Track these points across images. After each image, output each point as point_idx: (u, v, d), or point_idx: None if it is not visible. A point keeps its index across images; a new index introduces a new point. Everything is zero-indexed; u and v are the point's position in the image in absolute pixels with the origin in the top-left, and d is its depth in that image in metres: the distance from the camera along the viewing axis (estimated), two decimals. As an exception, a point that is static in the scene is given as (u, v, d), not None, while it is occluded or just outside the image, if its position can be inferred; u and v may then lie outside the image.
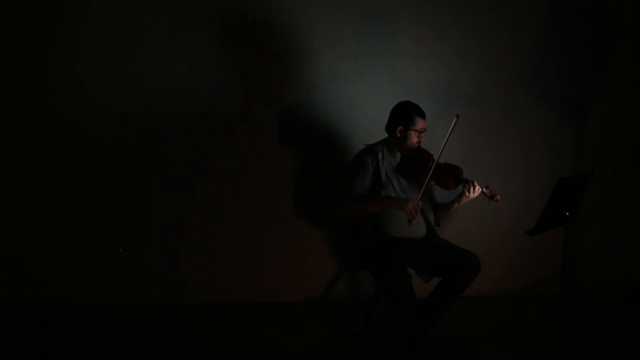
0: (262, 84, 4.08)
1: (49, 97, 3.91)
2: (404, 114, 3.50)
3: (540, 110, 4.32)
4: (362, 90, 4.13)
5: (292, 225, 4.17)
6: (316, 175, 4.15)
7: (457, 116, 3.34)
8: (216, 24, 4.01)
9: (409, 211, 3.31)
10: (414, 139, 3.49)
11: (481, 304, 4.17)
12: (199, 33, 4.00)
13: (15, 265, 3.96)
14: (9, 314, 3.86)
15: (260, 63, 4.07)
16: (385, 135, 3.58)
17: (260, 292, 4.17)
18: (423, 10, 4.15)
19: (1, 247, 3.94)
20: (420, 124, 3.49)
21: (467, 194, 3.42)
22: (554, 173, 3.41)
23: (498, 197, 3.39)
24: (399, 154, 3.55)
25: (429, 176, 3.38)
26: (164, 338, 3.58)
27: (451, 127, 3.34)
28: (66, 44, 3.89)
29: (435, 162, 3.40)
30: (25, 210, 3.95)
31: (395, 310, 3.30)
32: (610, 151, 4.41)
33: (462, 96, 4.21)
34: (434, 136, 3.79)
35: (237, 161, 4.09)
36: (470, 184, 3.41)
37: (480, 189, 3.42)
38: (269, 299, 4.16)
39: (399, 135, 3.50)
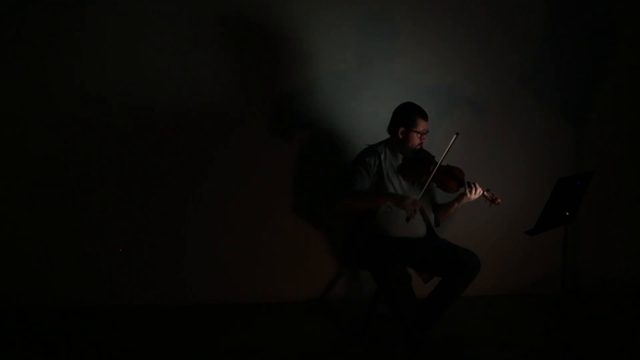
0: (262, 84, 4.08)
1: (50, 98, 3.91)
2: (406, 115, 3.48)
3: (540, 110, 4.32)
4: (362, 91, 4.13)
5: (292, 225, 4.17)
6: (316, 175, 4.15)
7: (457, 134, 3.34)
8: (216, 25, 4.01)
9: (407, 208, 3.31)
10: (415, 140, 3.48)
11: (481, 304, 4.17)
12: (199, 33, 3.99)
13: (16, 265, 3.96)
14: (10, 314, 3.86)
15: (261, 64, 4.07)
16: (387, 135, 3.58)
17: (260, 292, 4.17)
18: (423, 11, 4.15)
19: (2, 247, 3.94)
20: (422, 125, 3.47)
21: (468, 194, 3.43)
22: (554, 173, 3.42)
23: (499, 200, 3.41)
24: (400, 155, 3.54)
25: (430, 178, 3.38)
26: (164, 338, 3.58)
27: (450, 143, 3.34)
28: (66, 44, 3.89)
29: (437, 164, 3.40)
30: (26, 211, 3.95)
31: (395, 310, 3.31)
32: (610, 151, 4.41)
33: (461, 96, 4.21)
34: (434, 136, 3.80)
35: (237, 161, 4.09)
36: (473, 185, 3.42)
37: (482, 191, 3.42)
38: (269, 299, 4.16)
39: (400, 136, 3.49)
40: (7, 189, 3.93)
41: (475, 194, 3.42)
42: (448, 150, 3.34)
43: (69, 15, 3.87)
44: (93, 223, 4.01)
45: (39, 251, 3.97)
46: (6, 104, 3.89)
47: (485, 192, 3.43)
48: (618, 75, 4.36)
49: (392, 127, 3.52)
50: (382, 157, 3.50)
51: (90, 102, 3.94)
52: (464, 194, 3.45)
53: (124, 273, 4.05)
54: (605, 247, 4.47)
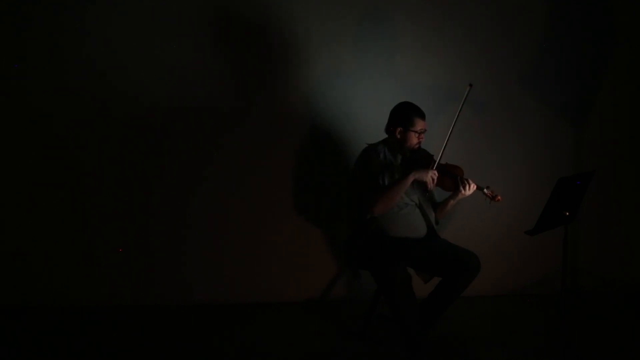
0: (262, 84, 4.09)
1: (50, 98, 3.91)
2: (403, 115, 3.49)
3: (540, 110, 4.32)
4: (361, 90, 4.13)
5: (292, 225, 4.17)
6: (316, 175, 4.15)
7: (470, 85, 3.34)
8: (217, 25, 4.01)
9: (428, 180, 3.35)
10: (413, 140, 3.48)
11: (481, 304, 4.17)
12: (200, 34, 4.00)
13: (16, 265, 3.96)
14: (10, 314, 3.86)
15: (260, 63, 4.07)
16: (385, 135, 3.58)
17: (260, 292, 4.17)
18: (422, 10, 4.15)
19: (2, 247, 3.94)
20: (419, 125, 3.48)
21: (462, 191, 3.44)
22: (554, 173, 3.42)
23: (499, 197, 3.40)
24: (399, 155, 3.54)
25: None
26: (164, 338, 3.58)
27: (464, 96, 3.34)
28: (64, 44, 3.89)
29: (436, 162, 3.40)
30: (27, 211, 3.95)
31: (395, 310, 3.31)
32: (610, 151, 4.41)
33: (461, 96, 4.21)
34: (434, 136, 3.80)
35: (237, 161, 4.09)
36: (466, 181, 3.43)
37: (475, 187, 3.43)
38: (269, 299, 4.17)
39: (398, 136, 3.49)
40: (7, 189, 3.93)
41: (469, 189, 3.44)
42: (463, 105, 3.35)
43: (68, 15, 3.87)
44: (93, 223, 4.01)
45: (39, 251, 3.97)
46: (6, 103, 3.89)
47: (485, 190, 3.43)
48: (618, 75, 4.36)
49: (390, 127, 3.52)
50: (382, 156, 3.50)
51: (90, 102, 3.94)
52: (459, 190, 3.46)
53: (124, 273, 4.05)
54: (605, 247, 4.47)
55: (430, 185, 3.39)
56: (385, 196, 3.36)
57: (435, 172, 3.40)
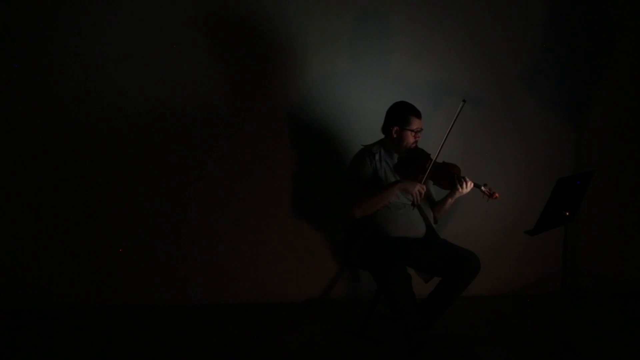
0: (260, 84, 4.08)
1: (49, 98, 3.91)
2: (399, 115, 3.49)
3: (540, 110, 4.32)
4: (358, 90, 4.13)
5: (292, 225, 4.17)
6: (315, 174, 4.15)
7: (464, 101, 3.34)
8: (214, 26, 4.01)
9: (414, 193, 3.35)
10: (410, 139, 3.49)
11: (481, 304, 4.17)
12: (197, 34, 4.00)
13: (15, 265, 3.96)
14: (9, 314, 3.86)
15: (258, 64, 4.07)
16: (382, 135, 3.58)
17: (260, 292, 4.17)
18: (420, 9, 4.15)
19: (2, 247, 3.94)
20: (415, 123, 3.48)
21: (459, 189, 3.44)
22: (554, 173, 3.42)
23: (497, 194, 3.40)
24: (396, 155, 3.54)
25: (426, 176, 3.39)
26: (164, 338, 3.58)
27: (457, 112, 3.34)
28: (65, 45, 3.89)
29: (432, 161, 3.41)
30: (26, 211, 3.95)
31: (395, 310, 3.31)
32: (610, 151, 4.41)
33: (461, 96, 4.20)
34: (432, 136, 3.80)
35: (236, 162, 4.10)
36: (463, 179, 3.43)
37: (472, 184, 3.44)
38: (269, 299, 4.17)
39: (395, 135, 3.49)
40: (8, 189, 3.93)
41: (466, 187, 3.44)
42: (456, 119, 3.35)
43: (68, 17, 3.87)
44: (93, 223, 4.01)
45: (39, 251, 3.97)
46: (6, 104, 3.89)
47: (483, 187, 3.43)
48: (618, 75, 4.36)
49: (386, 127, 3.53)
50: (377, 157, 3.50)
51: (90, 103, 3.94)
52: (456, 188, 3.46)
53: (124, 273, 4.05)
54: (605, 247, 4.47)
55: (416, 200, 3.39)
56: (366, 202, 3.40)
57: (424, 186, 3.39)
